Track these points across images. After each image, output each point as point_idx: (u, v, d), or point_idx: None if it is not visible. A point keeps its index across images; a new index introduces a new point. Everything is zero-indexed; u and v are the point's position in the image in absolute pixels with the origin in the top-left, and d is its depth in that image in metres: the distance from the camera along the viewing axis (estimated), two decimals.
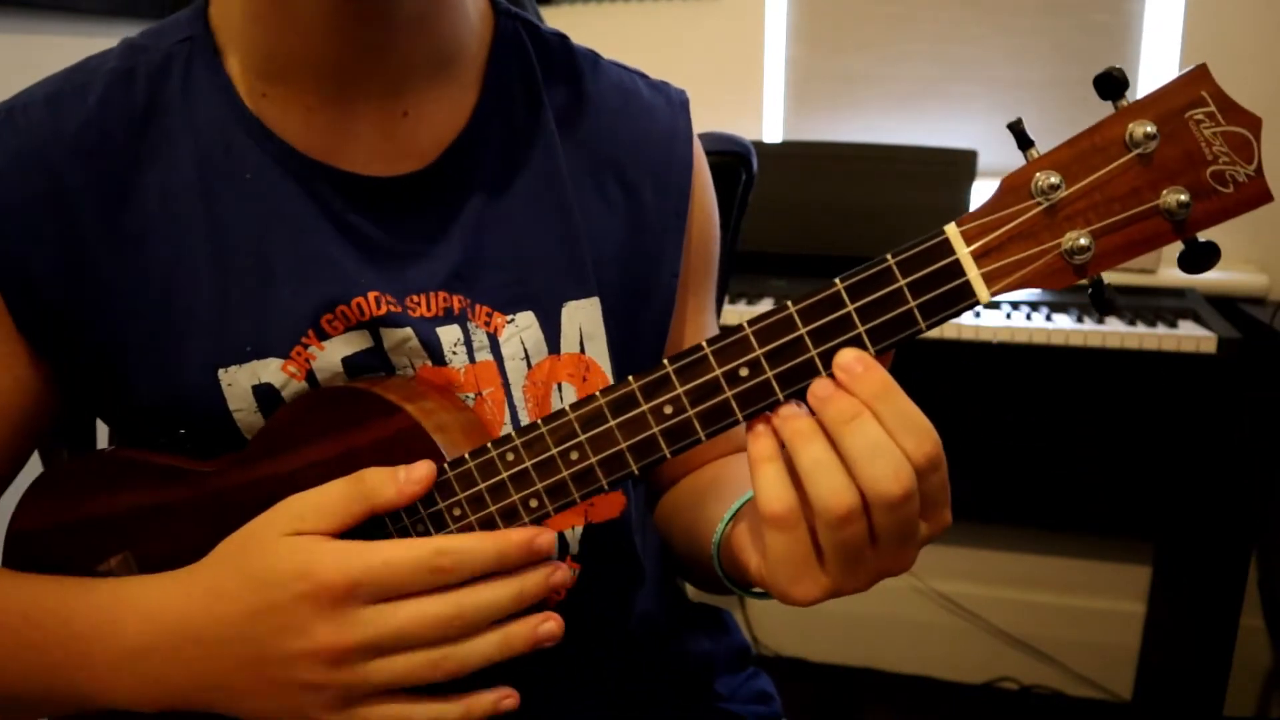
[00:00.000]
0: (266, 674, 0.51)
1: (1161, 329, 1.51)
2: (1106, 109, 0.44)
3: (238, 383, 0.59)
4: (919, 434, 0.45)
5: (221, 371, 0.58)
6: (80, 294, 0.58)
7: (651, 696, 0.73)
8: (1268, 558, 1.65)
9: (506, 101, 0.65)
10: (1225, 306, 1.65)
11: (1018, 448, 1.92)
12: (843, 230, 1.79)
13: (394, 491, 0.51)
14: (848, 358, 0.45)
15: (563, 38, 0.69)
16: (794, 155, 1.89)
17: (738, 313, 1.66)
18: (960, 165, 1.77)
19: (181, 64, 0.61)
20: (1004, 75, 1.95)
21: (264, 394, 0.59)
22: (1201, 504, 1.66)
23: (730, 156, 0.96)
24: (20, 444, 0.63)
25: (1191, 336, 1.48)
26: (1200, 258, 0.44)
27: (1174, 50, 1.83)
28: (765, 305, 1.69)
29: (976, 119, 1.98)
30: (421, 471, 0.52)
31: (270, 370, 0.59)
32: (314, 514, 0.51)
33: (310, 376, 0.59)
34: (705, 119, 0.73)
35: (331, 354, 0.59)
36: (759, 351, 0.47)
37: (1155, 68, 1.87)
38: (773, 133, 2.10)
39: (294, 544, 0.51)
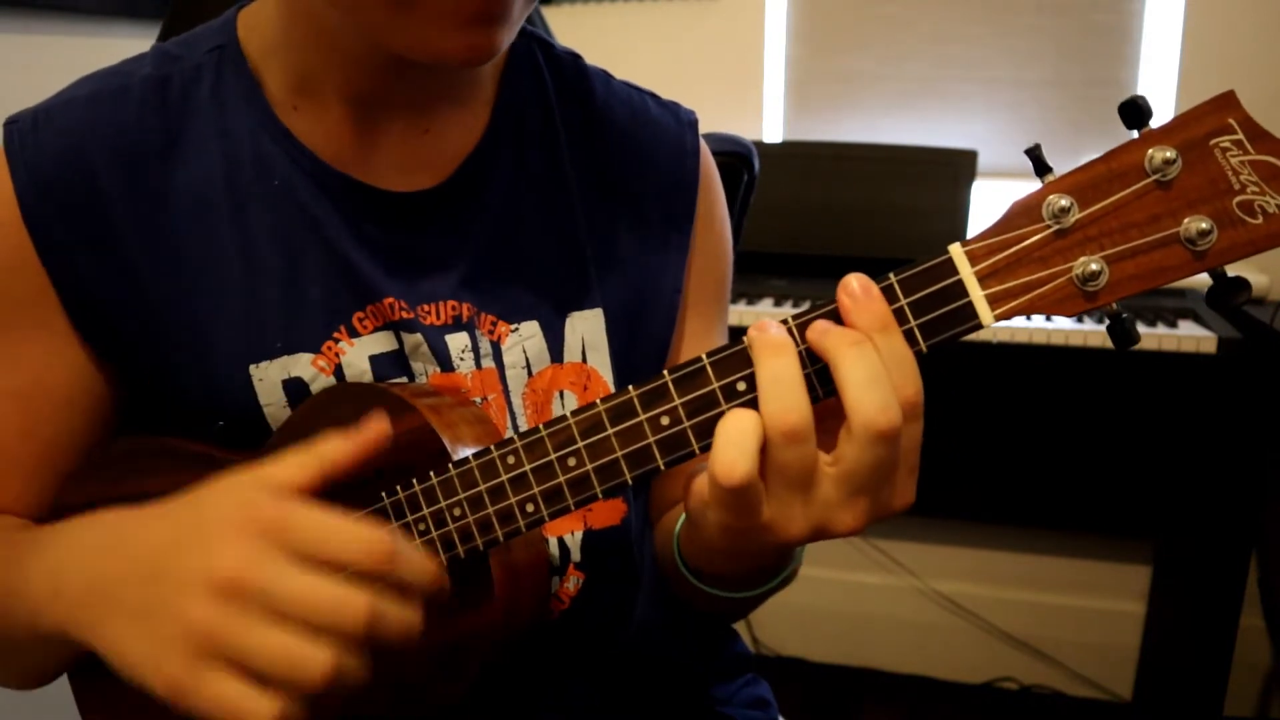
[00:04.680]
0: (153, 591, 0.47)
1: (1161, 329, 1.51)
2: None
3: (269, 377, 0.61)
4: (907, 374, 0.43)
5: (253, 367, 0.61)
6: (120, 291, 0.61)
7: (649, 701, 0.73)
8: (1268, 558, 1.65)
9: (518, 118, 0.66)
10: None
11: (1018, 448, 1.92)
12: (843, 230, 1.79)
13: (342, 440, 0.49)
14: (855, 283, 0.44)
15: (575, 56, 0.71)
16: (794, 155, 1.88)
17: (738, 312, 1.66)
18: (960, 165, 1.76)
19: (212, 72, 0.63)
20: (1004, 75, 1.95)
21: (293, 388, 0.61)
22: (1201, 504, 1.66)
23: (732, 157, 0.96)
24: (87, 432, 0.64)
25: (1191, 336, 1.48)
26: (1228, 292, 0.43)
27: (1174, 50, 1.82)
28: (765, 305, 1.69)
29: (976, 119, 1.98)
30: (372, 423, 0.50)
31: (300, 365, 0.61)
32: (270, 466, 0.49)
33: (339, 371, 0.61)
34: (705, 119, 0.73)
35: (360, 351, 0.62)
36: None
37: (1155, 68, 1.87)
38: (773, 133, 2.10)
39: (243, 479, 0.49)
